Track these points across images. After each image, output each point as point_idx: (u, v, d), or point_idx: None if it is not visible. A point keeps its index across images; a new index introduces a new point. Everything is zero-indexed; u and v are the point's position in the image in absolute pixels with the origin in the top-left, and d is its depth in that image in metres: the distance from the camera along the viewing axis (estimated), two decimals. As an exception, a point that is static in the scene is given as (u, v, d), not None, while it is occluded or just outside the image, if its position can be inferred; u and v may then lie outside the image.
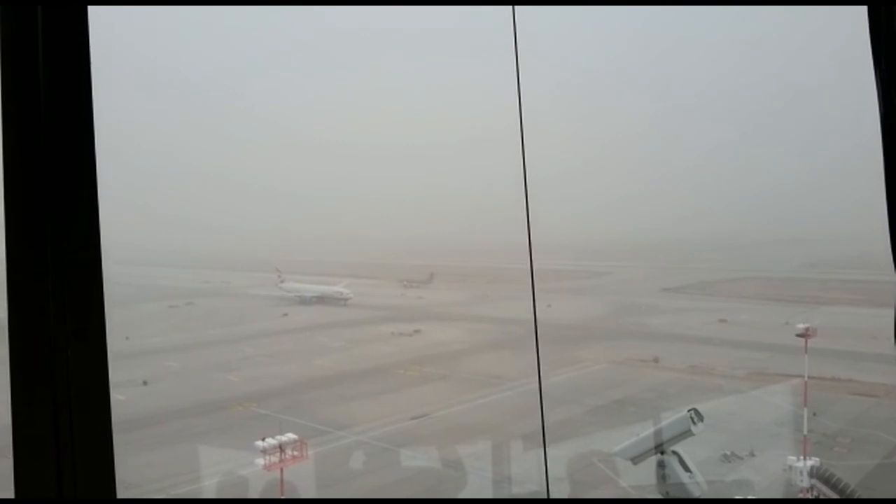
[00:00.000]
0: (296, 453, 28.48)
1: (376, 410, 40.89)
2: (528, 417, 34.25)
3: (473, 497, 31.16)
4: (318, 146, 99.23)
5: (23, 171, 2.39)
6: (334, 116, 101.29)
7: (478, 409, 41.31)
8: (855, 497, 27.00)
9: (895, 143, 2.91)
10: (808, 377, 37.43)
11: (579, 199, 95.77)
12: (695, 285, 76.00)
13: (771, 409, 40.23)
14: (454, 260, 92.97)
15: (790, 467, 29.79)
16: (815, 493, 27.47)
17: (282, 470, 27.32)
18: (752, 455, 34.24)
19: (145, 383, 44.49)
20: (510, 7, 6.23)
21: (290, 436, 28.61)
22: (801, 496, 28.53)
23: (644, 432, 15.04)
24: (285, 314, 67.09)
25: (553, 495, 28.39)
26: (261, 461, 27.41)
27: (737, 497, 29.32)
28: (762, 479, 32.06)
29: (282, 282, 74.34)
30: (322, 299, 71.16)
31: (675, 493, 13.96)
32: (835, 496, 26.50)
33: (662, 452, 14.10)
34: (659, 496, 14.71)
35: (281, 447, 27.69)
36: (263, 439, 28.09)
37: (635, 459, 14.85)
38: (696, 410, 14.34)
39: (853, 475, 29.84)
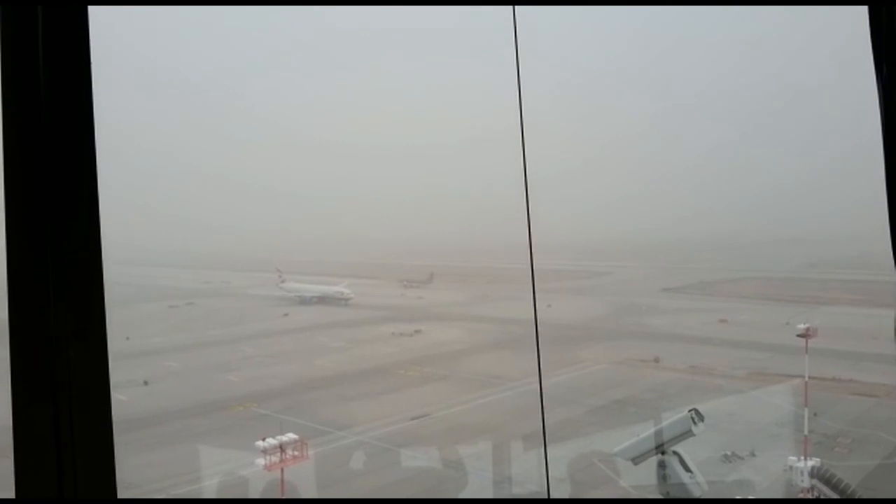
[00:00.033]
0: (296, 453, 28.47)
1: (377, 411, 40.89)
2: (528, 418, 34.24)
3: (474, 497, 31.18)
4: (318, 146, 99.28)
5: (23, 171, 2.39)
6: (334, 116, 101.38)
7: (478, 410, 41.31)
8: (856, 497, 27.00)
9: (896, 143, 2.91)
10: (809, 377, 37.42)
11: (579, 199, 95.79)
12: (695, 285, 75.98)
13: (771, 410, 40.21)
14: (454, 260, 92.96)
15: (791, 467, 29.77)
16: (815, 494, 27.46)
17: (282, 470, 27.31)
18: (753, 455, 34.22)
19: (146, 383, 44.49)
20: (510, 7, 6.23)
21: (291, 436, 28.60)
22: (801, 496, 28.51)
23: (645, 433, 15.05)
24: (286, 314, 67.08)
25: (554, 495, 28.40)
26: (261, 461, 27.40)
27: (737, 497, 29.35)
28: (763, 479, 32.04)
29: (282, 282, 74.34)
30: (323, 299, 71.16)
31: (676, 494, 13.97)
32: (835, 496, 26.51)
33: (663, 453, 14.12)
34: (660, 496, 14.71)
35: (281, 447, 27.68)
36: (264, 439, 28.08)
37: (636, 460, 14.87)
38: (696, 411, 14.37)
39: (854, 475, 29.82)
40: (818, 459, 29.89)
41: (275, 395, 43.66)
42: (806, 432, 34.34)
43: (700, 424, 14.17)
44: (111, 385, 2.50)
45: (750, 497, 30.33)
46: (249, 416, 40.24)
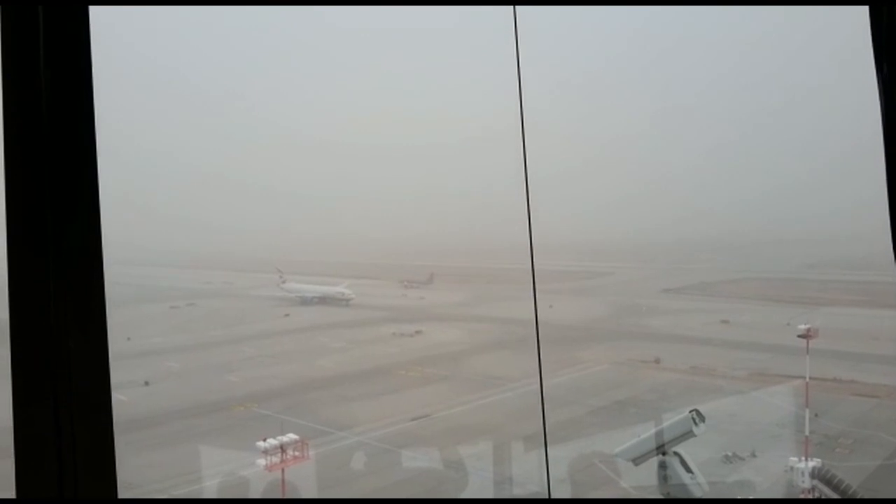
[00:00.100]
0: (297, 454, 28.47)
1: (377, 411, 40.88)
2: (529, 418, 34.23)
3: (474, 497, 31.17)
4: (318, 146, 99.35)
5: (24, 171, 2.39)
6: (334, 116, 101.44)
7: (479, 410, 41.30)
8: (857, 498, 26.98)
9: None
10: (810, 378, 37.41)
11: (579, 199, 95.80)
12: (695, 286, 75.95)
13: (772, 410, 40.18)
14: (455, 260, 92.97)
15: (792, 468, 29.78)
16: (816, 494, 27.43)
17: (283, 470, 27.32)
18: (754, 456, 34.20)
19: (147, 384, 44.51)
20: (510, 7, 6.23)
21: (292, 436, 28.61)
22: (802, 497, 28.49)
23: (646, 433, 15.04)
24: (287, 315, 67.11)
25: (554, 496, 28.40)
26: (262, 462, 27.41)
27: (738, 498, 29.35)
28: (764, 479, 32.02)
29: (283, 282, 74.40)
30: (324, 300, 71.21)
31: (677, 494, 13.96)
32: (836, 497, 26.48)
33: (664, 453, 14.11)
34: (660, 497, 14.70)
35: (282, 448, 27.69)
36: (265, 440, 28.09)
37: (637, 460, 14.86)
38: (697, 411, 14.35)
39: (855, 476, 29.80)
40: (819, 460, 29.88)
41: (275, 395, 43.66)
42: (807, 433, 34.32)
43: (701, 425, 14.17)
44: (112, 385, 2.50)
45: (751, 498, 30.34)
46: (250, 416, 40.25)
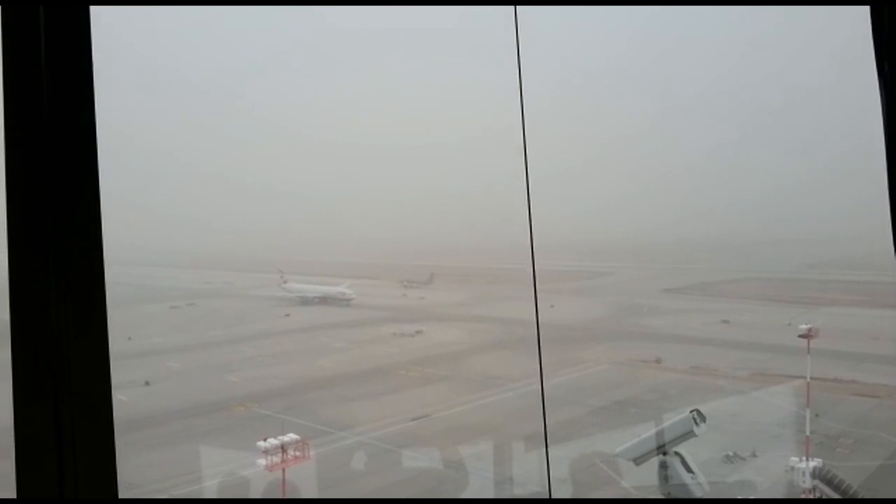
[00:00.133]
0: (297, 454, 28.48)
1: (378, 411, 40.88)
2: (529, 418, 34.23)
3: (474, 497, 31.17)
4: (318, 146, 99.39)
5: (25, 172, 2.39)
6: (334, 116, 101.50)
7: (479, 410, 41.30)
8: (857, 498, 26.97)
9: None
10: (811, 378, 37.40)
11: (579, 199, 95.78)
12: (695, 286, 75.93)
13: (773, 410, 40.18)
14: (455, 260, 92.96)
15: (792, 468, 29.77)
16: (817, 494, 27.42)
17: (283, 470, 27.34)
18: (755, 456, 34.20)
19: (147, 384, 44.52)
20: (511, 7, 6.23)
21: (292, 436, 28.63)
22: (803, 497, 28.49)
23: (646, 433, 15.02)
24: (287, 315, 67.13)
25: (555, 496, 28.39)
26: (262, 462, 27.43)
27: (738, 498, 29.33)
28: (764, 479, 32.02)
29: (284, 282, 74.42)
30: (324, 300, 71.23)
31: (678, 494, 13.94)
32: (837, 497, 26.47)
33: (665, 453, 14.09)
34: (661, 497, 14.69)
35: (283, 448, 27.70)
36: (265, 440, 28.10)
37: (637, 460, 14.83)
38: (698, 411, 14.33)
39: (855, 476, 29.79)
40: (820, 460, 29.87)
41: (276, 395, 43.66)
42: (808, 433, 34.32)
43: (702, 425, 14.14)
44: (112, 385, 2.50)
45: (751, 497, 30.33)
46: (251, 416, 40.25)
